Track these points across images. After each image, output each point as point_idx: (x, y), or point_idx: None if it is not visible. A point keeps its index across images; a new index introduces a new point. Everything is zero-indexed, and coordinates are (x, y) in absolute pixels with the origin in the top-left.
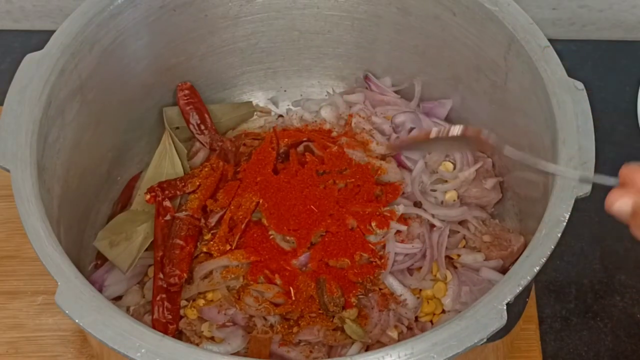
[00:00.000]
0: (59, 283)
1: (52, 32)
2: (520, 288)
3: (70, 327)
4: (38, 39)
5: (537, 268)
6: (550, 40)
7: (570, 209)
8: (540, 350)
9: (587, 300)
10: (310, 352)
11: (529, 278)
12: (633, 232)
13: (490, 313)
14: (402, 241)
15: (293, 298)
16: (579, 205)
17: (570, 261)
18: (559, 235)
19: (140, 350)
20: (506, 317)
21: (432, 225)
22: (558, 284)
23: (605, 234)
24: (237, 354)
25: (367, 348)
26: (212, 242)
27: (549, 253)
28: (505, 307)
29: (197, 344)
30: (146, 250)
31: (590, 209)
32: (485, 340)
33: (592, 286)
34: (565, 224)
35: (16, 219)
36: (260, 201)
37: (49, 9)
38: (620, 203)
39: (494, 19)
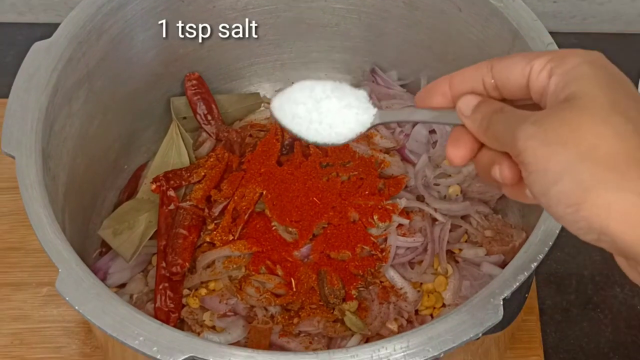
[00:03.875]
0: (59, 270)
1: (56, 24)
2: (517, 284)
3: (74, 318)
4: (42, 32)
5: (535, 264)
6: (551, 33)
7: None
8: (541, 341)
9: (588, 292)
10: (310, 343)
11: (526, 274)
12: (470, 127)
13: (486, 308)
14: (403, 235)
15: (294, 289)
16: None
17: (571, 253)
18: (557, 232)
19: (139, 338)
20: (502, 313)
21: (434, 220)
22: (559, 275)
23: None
24: (237, 343)
25: (367, 340)
26: (215, 232)
27: (546, 250)
28: (501, 303)
29: (199, 333)
30: (150, 239)
31: None
32: (480, 335)
33: (593, 277)
34: None
35: (21, 211)
36: (264, 192)
37: (54, 1)
38: (465, 100)
39: (499, 15)
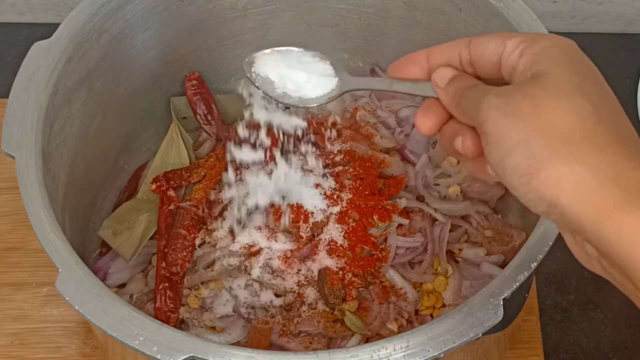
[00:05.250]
0: (59, 270)
1: (56, 24)
2: (517, 284)
3: (74, 318)
4: (42, 32)
5: (535, 264)
6: (550, 33)
7: None
8: (541, 341)
9: (588, 292)
10: (310, 343)
11: (526, 274)
12: (443, 99)
13: (486, 308)
14: (403, 235)
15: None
16: None
17: (571, 253)
18: (558, 232)
19: (139, 338)
20: (502, 313)
21: (434, 219)
22: (559, 275)
23: None
24: (237, 343)
25: (367, 340)
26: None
27: (546, 250)
28: (501, 303)
29: (199, 333)
30: (150, 239)
31: None
32: (480, 335)
33: (593, 277)
34: None
35: (21, 210)
36: None
37: (54, 1)
38: (441, 72)
39: (499, 15)
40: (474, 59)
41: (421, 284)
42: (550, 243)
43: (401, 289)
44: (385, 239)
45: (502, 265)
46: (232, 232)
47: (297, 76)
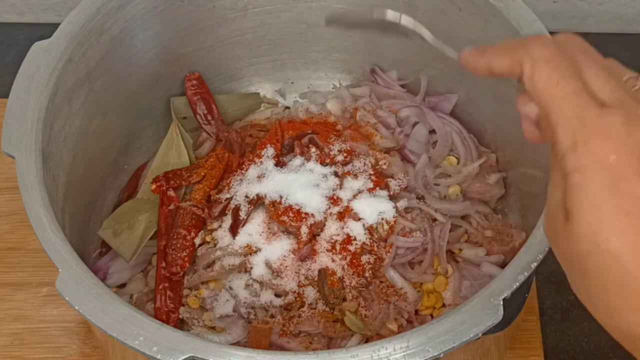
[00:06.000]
0: (59, 270)
1: (56, 25)
2: (517, 284)
3: (74, 318)
4: (43, 32)
5: (535, 264)
6: (551, 33)
7: None
8: (541, 341)
9: None
10: (310, 343)
11: (526, 274)
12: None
13: (486, 308)
14: (404, 235)
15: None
16: None
17: None
18: None
19: (139, 338)
20: (502, 313)
21: (434, 220)
22: (559, 275)
23: None
24: (237, 343)
25: (367, 340)
26: (215, 231)
27: (546, 249)
28: (501, 303)
29: (199, 333)
30: (150, 239)
31: None
32: (480, 335)
33: None
34: None
35: (21, 210)
36: None
37: (54, 2)
38: (528, 108)
39: (499, 15)
40: None
41: (421, 284)
42: None
43: (401, 289)
44: (386, 239)
45: (502, 265)
46: (232, 231)
47: None
